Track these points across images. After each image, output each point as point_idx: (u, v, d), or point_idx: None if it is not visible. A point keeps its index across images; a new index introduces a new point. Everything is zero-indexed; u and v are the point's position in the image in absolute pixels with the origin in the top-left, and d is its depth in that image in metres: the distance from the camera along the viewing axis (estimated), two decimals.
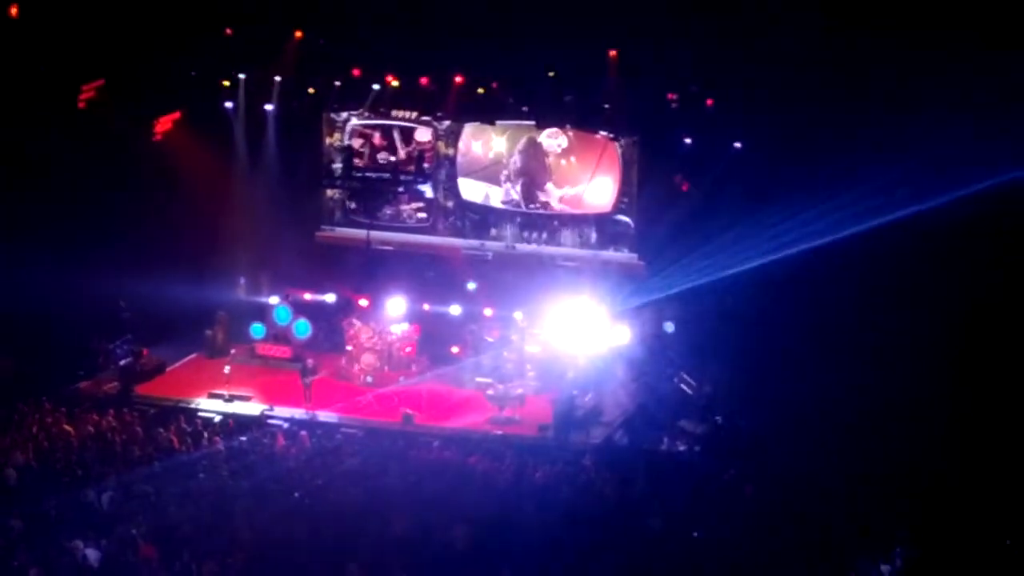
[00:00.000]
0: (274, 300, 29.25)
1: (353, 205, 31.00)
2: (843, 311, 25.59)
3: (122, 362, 27.21)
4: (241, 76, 29.94)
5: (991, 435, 22.33)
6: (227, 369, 26.84)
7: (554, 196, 29.79)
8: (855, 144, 25.10)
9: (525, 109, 29.13)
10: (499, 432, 25.42)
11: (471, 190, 30.26)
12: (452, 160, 30.21)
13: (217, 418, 25.03)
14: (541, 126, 29.30)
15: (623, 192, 29.18)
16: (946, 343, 24.56)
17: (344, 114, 30.45)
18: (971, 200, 23.83)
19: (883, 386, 24.47)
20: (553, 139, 29.55)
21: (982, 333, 24.68)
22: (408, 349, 28.63)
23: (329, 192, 31.19)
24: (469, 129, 29.99)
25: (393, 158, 30.46)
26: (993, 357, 24.41)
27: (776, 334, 25.97)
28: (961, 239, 24.47)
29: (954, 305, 24.70)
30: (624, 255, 29.43)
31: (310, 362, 26.76)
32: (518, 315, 28.54)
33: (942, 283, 24.84)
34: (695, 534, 18.77)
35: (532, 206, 29.91)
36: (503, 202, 30.13)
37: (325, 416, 25.89)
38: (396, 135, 30.37)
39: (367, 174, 30.50)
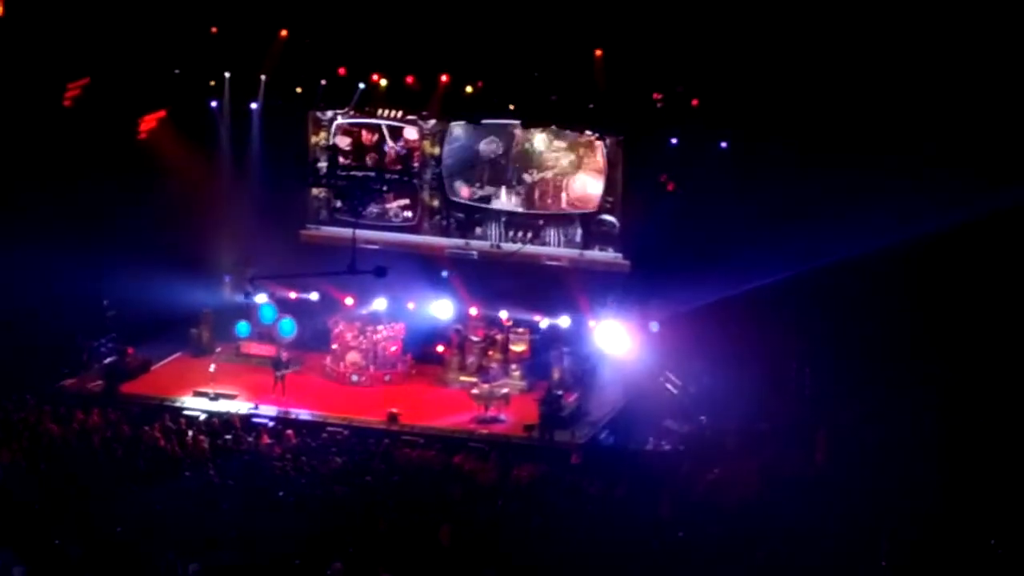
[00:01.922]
0: (260, 299, 29.18)
1: (338, 204, 30.91)
2: (833, 314, 25.62)
3: (107, 360, 27.20)
4: (226, 74, 29.86)
5: (979, 442, 22.35)
6: (212, 367, 26.86)
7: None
8: (844, 143, 25.08)
9: (511, 108, 29.10)
10: (484, 431, 25.44)
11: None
12: (438, 159, 30.15)
13: (202, 416, 25.02)
14: (527, 125, 29.27)
15: (608, 192, 29.18)
16: (938, 344, 24.71)
17: (330, 113, 30.36)
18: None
19: (872, 387, 24.57)
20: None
21: (972, 333, 24.78)
22: (393, 348, 28.64)
23: (314, 191, 31.10)
24: (455, 128, 29.94)
25: (379, 157, 30.41)
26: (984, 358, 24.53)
27: (766, 335, 26.04)
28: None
29: (941, 313, 24.83)
30: (609, 255, 29.42)
31: (284, 355, 26.93)
32: (503, 314, 28.58)
33: (937, 289, 24.93)
34: (680, 534, 18.81)
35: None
36: None
37: (309, 414, 25.90)
38: (383, 133, 30.32)
39: (353, 173, 30.43)
